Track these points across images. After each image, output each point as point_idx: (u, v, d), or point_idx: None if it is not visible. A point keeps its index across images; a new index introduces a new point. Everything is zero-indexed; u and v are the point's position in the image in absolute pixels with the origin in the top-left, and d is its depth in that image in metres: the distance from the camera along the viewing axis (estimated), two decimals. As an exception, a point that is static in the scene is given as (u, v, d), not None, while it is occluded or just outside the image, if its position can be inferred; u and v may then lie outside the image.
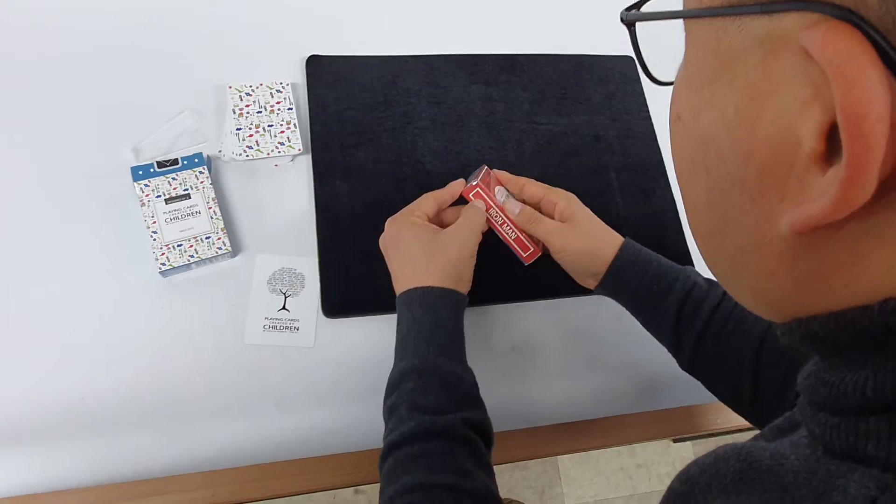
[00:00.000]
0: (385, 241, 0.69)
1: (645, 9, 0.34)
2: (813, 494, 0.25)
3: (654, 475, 1.67)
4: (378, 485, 0.61)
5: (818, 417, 0.27)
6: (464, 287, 0.65)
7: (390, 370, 0.62)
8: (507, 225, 0.72)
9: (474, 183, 0.71)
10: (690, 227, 0.32)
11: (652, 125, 0.89)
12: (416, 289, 0.63)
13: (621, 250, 0.67)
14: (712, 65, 0.26)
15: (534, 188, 0.73)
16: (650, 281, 0.65)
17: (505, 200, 0.72)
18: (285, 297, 0.72)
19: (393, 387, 0.60)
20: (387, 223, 0.69)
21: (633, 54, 0.37)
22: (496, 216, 0.72)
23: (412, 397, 0.57)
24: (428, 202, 0.70)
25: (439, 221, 0.71)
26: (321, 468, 0.65)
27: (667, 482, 1.68)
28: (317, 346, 0.71)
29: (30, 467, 0.62)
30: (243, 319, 0.70)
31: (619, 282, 0.67)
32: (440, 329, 0.61)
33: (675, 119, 0.30)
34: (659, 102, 0.91)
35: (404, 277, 0.65)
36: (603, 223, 0.71)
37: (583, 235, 0.68)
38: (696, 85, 0.27)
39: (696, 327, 0.62)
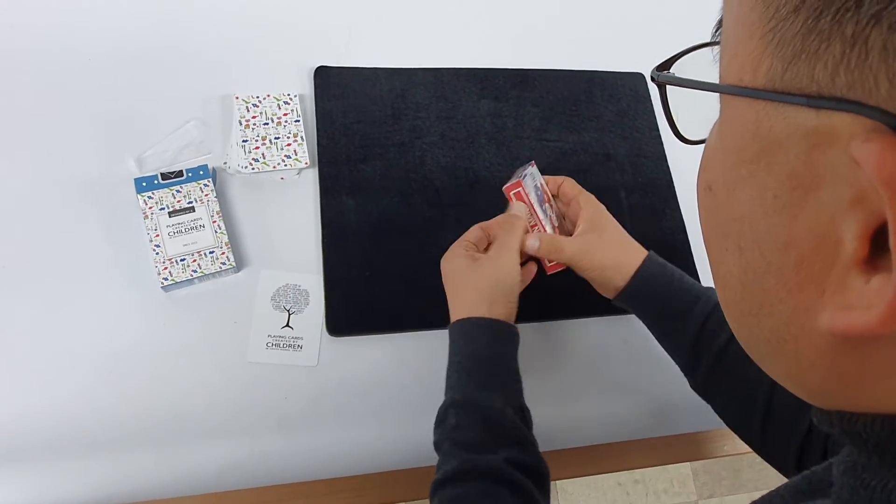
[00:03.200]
0: (444, 280, 0.67)
1: (678, 71, 0.32)
2: None
3: (651, 491, 1.66)
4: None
5: None
6: (503, 310, 0.62)
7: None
8: (538, 229, 0.70)
9: (517, 180, 0.69)
10: (720, 301, 0.30)
11: (662, 145, 0.88)
12: (458, 321, 0.62)
13: (644, 264, 0.66)
14: (750, 145, 0.24)
15: (568, 188, 0.72)
16: (672, 296, 0.65)
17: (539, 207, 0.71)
18: (289, 315, 0.70)
19: (439, 422, 0.59)
20: (440, 263, 0.68)
21: (662, 113, 0.35)
22: (529, 220, 0.70)
23: (454, 434, 0.56)
24: (475, 232, 0.68)
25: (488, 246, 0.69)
26: (324, 492, 0.64)
27: (664, 498, 1.67)
28: (320, 365, 0.69)
29: (25, 487, 0.60)
30: (246, 337, 0.69)
31: (639, 295, 0.66)
32: (479, 360, 0.60)
33: (705, 187, 0.28)
34: (670, 121, 0.90)
35: (453, 310, 0.64)
36: (626, 234, 0.69)
37: (605, 249, 0.67)
38: (732, 161, 0.26)
39: (714, 349, 0.61)
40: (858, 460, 0.26)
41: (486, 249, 0.67)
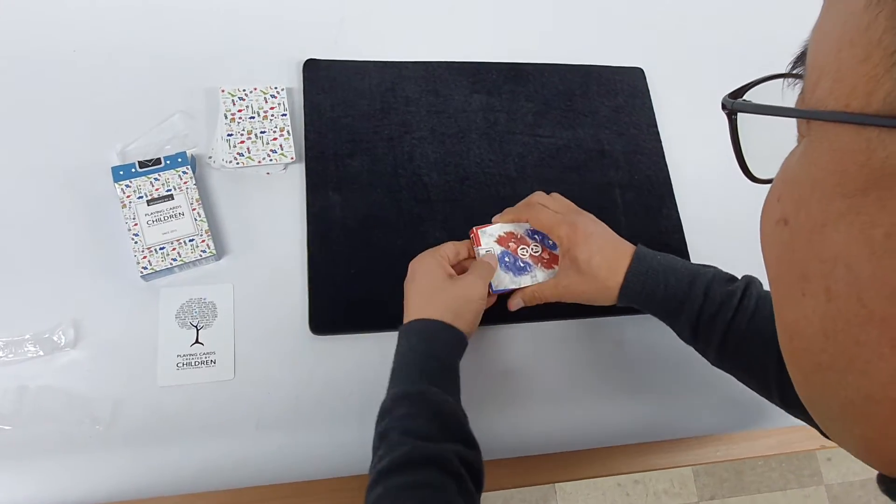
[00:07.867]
0: (407, 279, 0.68)
1: (754, 97, 0.29)
2: None
3: (651, 491, 1.64)
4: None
5: None
6: (464, 326, 0.64)
7: (383, 393, 0.60)
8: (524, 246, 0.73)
9: (475, 228, 0.72)
10: (784, 350, 0.27)
11: (660, 141, 0.86)
12: (417, 320, 0.63)
13: (626, 279, 0.65)
14: (855, 177, 0.22)
15: (539, 224, 0.70)
16: (658, 306, 0.65)
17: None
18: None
19: (384, 412, 0.58)
20: (410, 264, 0.68)
21: (731, 146, 0.32)
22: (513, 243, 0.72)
23: (404, 422, 0.56)
24: (448, 247, 0.70)
25: (458, 270, 0.70)
26: (301, 494, 0.63)
27: (664, 499, 1.65)
28: (301, 365, 0.68)
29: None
30: (226, 333, 0.68)
31: (633, 301, 0.67)
32: (434, 360, 0.60)
33: (777, 220, 0.26)
34: (668, 118, 0.87)
35: (410, 308, 0.65)
36: (608, 241, 0.68)
37: (585, 280, 0.66)
38: (825, 194, 0.23)
39: (714, 341, 0.62)
40: None
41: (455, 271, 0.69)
